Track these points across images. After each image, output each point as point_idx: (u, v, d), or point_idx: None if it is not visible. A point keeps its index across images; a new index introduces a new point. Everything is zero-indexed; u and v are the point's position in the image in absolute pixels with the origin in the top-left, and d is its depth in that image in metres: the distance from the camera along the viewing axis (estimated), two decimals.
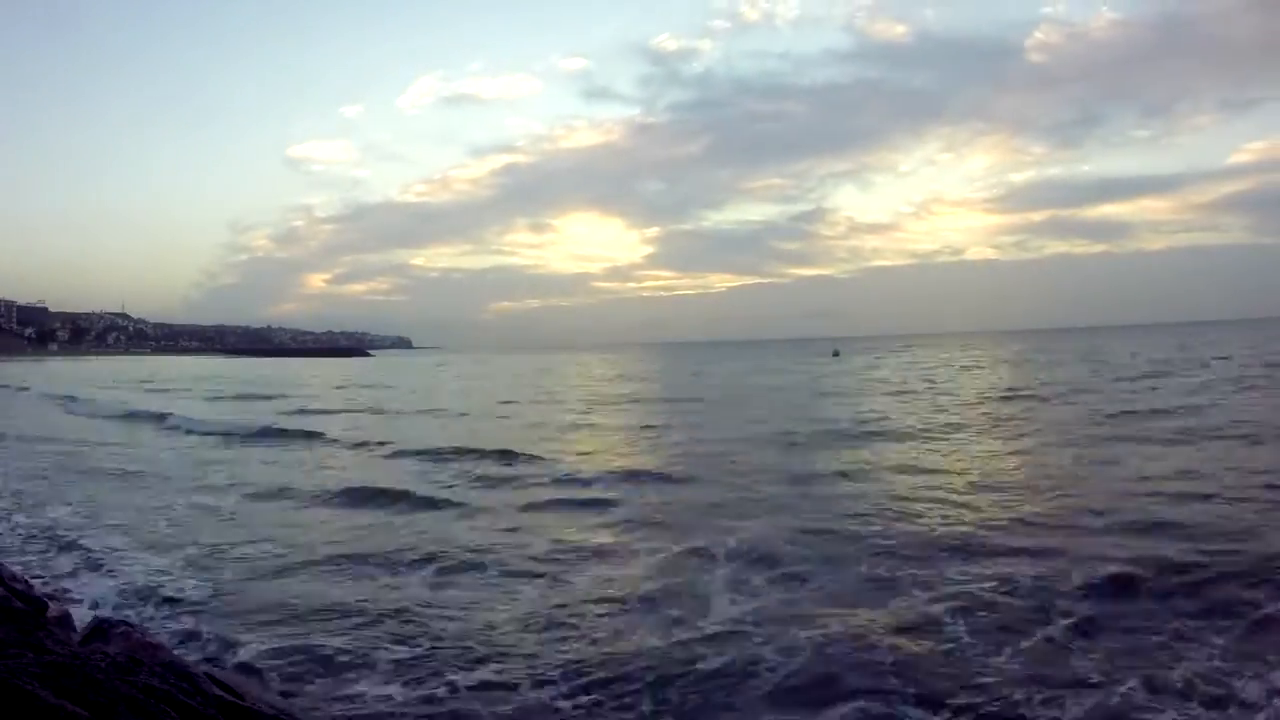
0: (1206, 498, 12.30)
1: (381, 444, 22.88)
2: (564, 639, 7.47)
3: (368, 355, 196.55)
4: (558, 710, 6.14)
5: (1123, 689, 6.11)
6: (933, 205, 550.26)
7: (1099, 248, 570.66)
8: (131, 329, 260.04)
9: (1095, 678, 6.32)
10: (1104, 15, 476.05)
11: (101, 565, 10.35)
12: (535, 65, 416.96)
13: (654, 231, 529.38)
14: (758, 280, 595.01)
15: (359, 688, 6.53)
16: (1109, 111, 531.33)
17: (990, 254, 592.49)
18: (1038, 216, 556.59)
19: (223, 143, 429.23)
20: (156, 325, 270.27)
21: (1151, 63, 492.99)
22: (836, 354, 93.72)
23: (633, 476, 16.45)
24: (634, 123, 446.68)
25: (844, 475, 16.01)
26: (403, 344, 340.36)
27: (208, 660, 6.77)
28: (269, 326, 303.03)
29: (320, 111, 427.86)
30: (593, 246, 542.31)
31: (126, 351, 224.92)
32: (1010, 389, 36.31)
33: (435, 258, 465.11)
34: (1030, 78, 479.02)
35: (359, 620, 8.04)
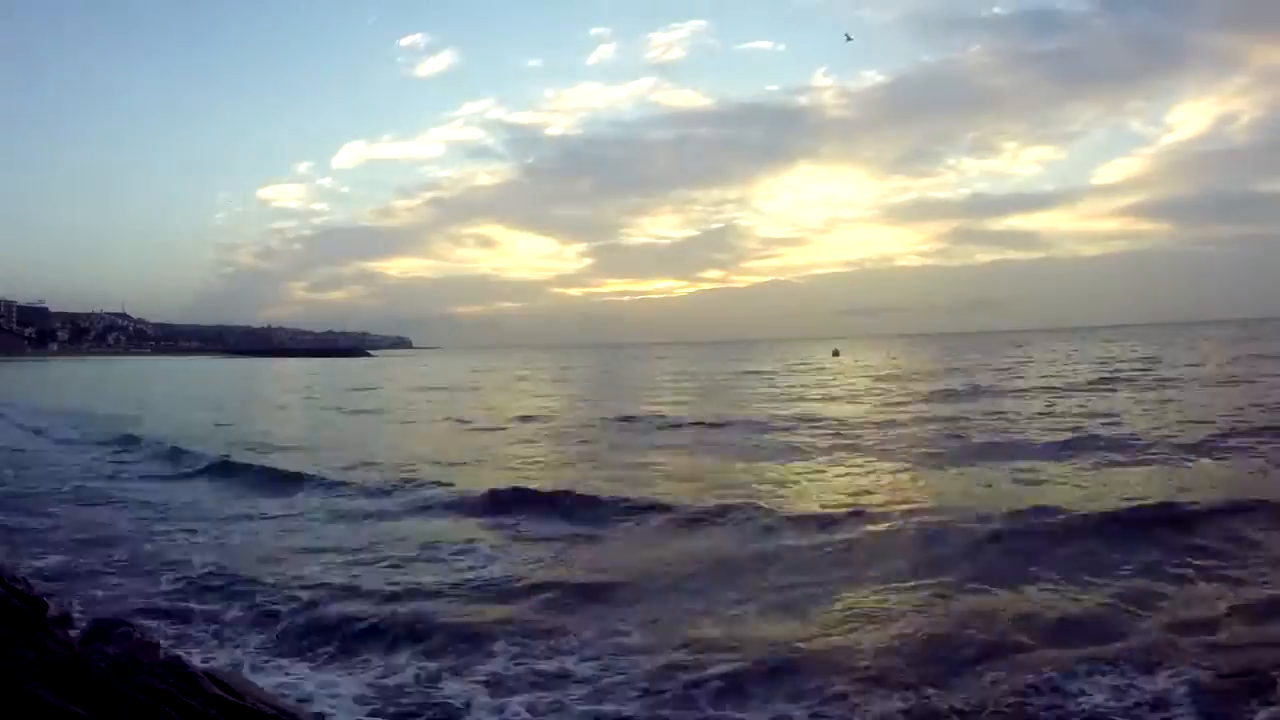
0: None
1: None
2: None
3: (368, 355, 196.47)
4: None
5: None
6: (836, 223, 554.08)
7: (1035, 254, 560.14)
8: (132, 329, 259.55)
9: None
10: (869, 77, 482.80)
11: None
12: (430, 134, 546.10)
13: (586, 246, 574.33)
14: (716, 286, 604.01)
15: None
16: (939, 150, 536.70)
17: (921, 261, 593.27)
18: (944, 228, 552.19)
19: (206, 182, 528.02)
20: (157, 325, 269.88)
21: (943, 111, 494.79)
22: (836, 353, 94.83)
23: None
24: (521, 167, 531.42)
25: None
26: (402, 344, 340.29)
27: (207, 660, 6.76)
28: (269, 326, 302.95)
29: (280, 166, 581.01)
30: (536, 259, 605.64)
31: (127, 352, 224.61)
32: None
33: (407, 268, 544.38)
34: (840, 129, 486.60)
35: None
